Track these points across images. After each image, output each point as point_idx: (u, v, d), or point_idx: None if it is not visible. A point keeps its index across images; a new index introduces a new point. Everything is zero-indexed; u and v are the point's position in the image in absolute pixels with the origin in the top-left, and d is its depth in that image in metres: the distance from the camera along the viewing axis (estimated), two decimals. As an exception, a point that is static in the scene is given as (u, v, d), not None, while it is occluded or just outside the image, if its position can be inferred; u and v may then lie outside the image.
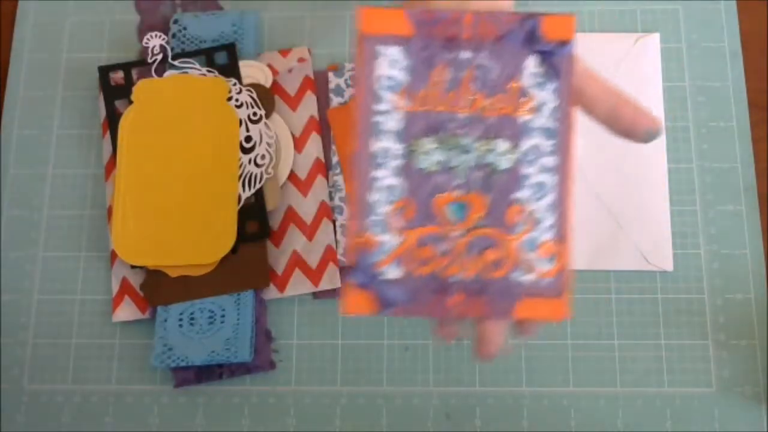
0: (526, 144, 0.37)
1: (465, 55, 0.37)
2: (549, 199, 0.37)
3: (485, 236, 0.37)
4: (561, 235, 0.37)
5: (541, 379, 0.54)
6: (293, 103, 0.59)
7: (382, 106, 0.37)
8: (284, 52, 0.61)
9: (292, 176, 0.58)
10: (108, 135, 0.58)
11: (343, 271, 0.36)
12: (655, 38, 0.60)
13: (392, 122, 0.37)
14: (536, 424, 0.53)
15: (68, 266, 0.58)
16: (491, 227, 0.37)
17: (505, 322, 0.38)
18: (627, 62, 0.59)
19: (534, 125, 0.37)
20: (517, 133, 0.37)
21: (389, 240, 0.37)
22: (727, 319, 0.55)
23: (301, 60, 0.60)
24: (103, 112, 0.59)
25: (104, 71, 0.59)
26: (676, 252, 0.56)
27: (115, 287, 0.56)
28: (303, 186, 0.57)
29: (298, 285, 0.55)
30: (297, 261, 0.56)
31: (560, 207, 0.37)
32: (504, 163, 0.37)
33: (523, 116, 0.37)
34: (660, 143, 0.58)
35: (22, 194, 0.59)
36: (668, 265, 0.55)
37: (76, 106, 0.61)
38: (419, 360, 0.55)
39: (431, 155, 0.37)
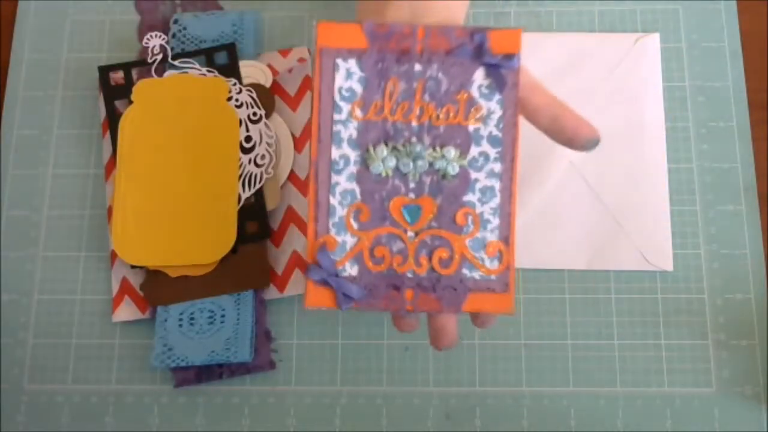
0: (475, 151, 0.40)
1: (417, 67, 0.40)
2: (495, 202, 0.40)
3: (436, 236, 0.40)
4: (506, 236, 0.40)
5: (541, 379, 0.54)
6: (293, 103, 0.59)
7: (340, 116, 0.40)
8: (284, 52, 0.61)
9: (292, 176, 0.58)
10: (108, 135, 0.58)
11: (306, 267, 0.40)
12: (655, 38, 0.60)
13: (349, 131, 0.40)
14: (536, 424, 0.53)
15: (68, 266, 0.58)
16: (442, 228, 0.40)
17: (456, 315, 0.41)
18: (627, 62, 0.59)
19: (482, 133, 0.40)
20: (466, 141, 0.40)
21: (346, 240, 0.40)
22: (727, 319, 0.55)
23: (301, 60, 0.60)
24: (103, 112, 0.59)
25: (104, 71, 0.59)
26: (676, 252, 0.56)
27: (115, 287, 0.56)
28: (303, 186, 0.57)
29: (298, 285, 0.55)
30: (297, 261, 0.56)
31: (505, 209, 0.40)
32: (454, 168, 0.40)
33: (472, 125, 0.40)
34: (660, 143, 0.58)
35: (22, 194, 0.59)
36: (668, 265, 0.55)
37: (76, 106, 0.61)
38: (419, 360, 0.55)
39: (386, 162, 0.40)
